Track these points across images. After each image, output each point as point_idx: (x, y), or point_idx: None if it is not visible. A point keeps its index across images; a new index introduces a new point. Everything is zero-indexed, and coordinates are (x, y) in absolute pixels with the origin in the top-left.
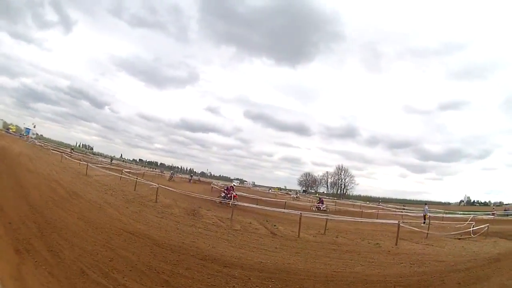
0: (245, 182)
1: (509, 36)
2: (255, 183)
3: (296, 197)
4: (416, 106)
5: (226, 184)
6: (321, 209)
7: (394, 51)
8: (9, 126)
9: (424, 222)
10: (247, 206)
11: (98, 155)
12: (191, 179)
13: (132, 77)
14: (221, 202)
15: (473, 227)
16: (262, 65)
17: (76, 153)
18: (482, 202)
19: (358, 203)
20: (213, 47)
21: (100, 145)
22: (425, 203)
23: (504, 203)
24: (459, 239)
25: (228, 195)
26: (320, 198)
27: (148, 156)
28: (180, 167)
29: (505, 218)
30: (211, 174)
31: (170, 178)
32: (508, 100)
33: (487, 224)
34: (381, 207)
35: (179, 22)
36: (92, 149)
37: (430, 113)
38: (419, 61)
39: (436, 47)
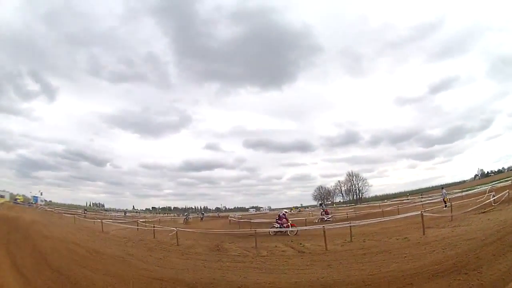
0: (261, 209)
1: (478, 3)
2: (271, 207)
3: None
4: (407, 95)
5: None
6: (325, 220)
7: (372, 50)
8: (16, 197)
9: (445, 206)
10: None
11: (110, 210)
12: (202, 217)
13: (125, 131)
14: (276, 233)
15: (493, 197)
16: (248, 93)
17: (90, 213)
18: (496, 171)
19: (377, 203)
20: (196, 86)
21: (110, 201)
22: (442, 187)
23: None
24: (483, 212)
25: (285, 225)
26: (324, 209)
27: (160, 203)
28: (194, 207)
29: None
30: (225, 208)
31: (185, 221)
32: (494, 66)
33: (507, 191)
34: (407, 201)
35: (157, 69)
36: (104, 206)
37: (422, 99)
38: (398, 52)
39: (410, 34)
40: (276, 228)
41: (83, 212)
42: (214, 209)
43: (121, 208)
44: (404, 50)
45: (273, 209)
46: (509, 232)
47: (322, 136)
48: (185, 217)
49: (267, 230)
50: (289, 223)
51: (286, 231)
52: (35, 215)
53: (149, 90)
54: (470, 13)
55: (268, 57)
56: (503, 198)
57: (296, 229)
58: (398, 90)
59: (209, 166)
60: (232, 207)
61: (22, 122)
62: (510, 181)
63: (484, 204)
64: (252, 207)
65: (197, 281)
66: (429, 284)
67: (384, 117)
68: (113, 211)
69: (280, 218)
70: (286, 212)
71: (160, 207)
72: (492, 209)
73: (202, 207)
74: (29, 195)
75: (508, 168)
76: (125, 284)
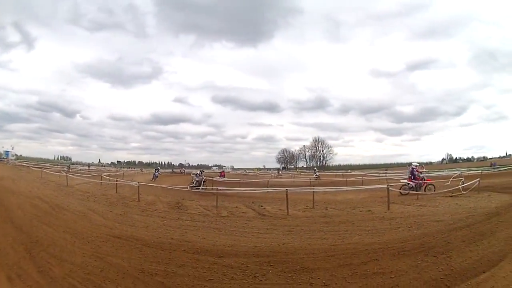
0: (223, 167)
1: None
2: (234, 167)
3: (279, 174)
4: (383, 69)
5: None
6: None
7: (354, 19)
8: None
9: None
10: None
11: (77, 164)
12: (154, 177)
13: (97, 81)
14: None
15: (462, 184)
16: (223, 49)
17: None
18: (465, 158)
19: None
20: (172, 38)
21: (77, 154)
22: (409, 164)
23: (488, 158)
24: (451, 196)
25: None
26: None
27: (126, 157)
28: (158, 161)
29: (492, 172)
30: (189, 165)
31: (154, 178)
32: (478, 56)
33: (478, 179)
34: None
35: (136, 19)
36: (71, 159)
37: (398, 74)
38: (381, 25)
39: (397, 9)
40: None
41: (67, 167)
42: (178, 164)
43: (88, 161)
44: (387, 23)
45: (235, 169)
46: (478, 221)
47: (291, 98)
48: (154, 173)
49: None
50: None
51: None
52: (4, 171)
53: (126, 40)
54: (463, 1)
55: (248, 13)
56: (473, 186)
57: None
58: (374, 62)
59: (175, 120)
60: (195, 164)
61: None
62: (480, 171)
63: (453, 188)
64: (215, 165)
65: (156, 240)
66: (395, 262)
67: (356, 87)
68: (79, 164)
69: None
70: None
71: (125, 161)
72: (460, 195)
73: (167, 163)
74: (1, 150)
75: (478, 158)
76: (85, 242)
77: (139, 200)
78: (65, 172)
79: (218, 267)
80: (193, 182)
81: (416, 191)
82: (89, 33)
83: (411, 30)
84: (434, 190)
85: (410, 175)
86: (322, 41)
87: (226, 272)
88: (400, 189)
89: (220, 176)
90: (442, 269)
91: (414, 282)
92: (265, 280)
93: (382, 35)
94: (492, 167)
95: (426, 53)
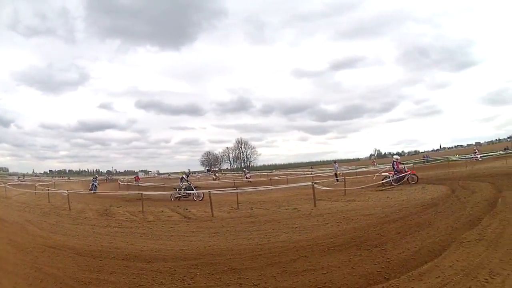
0: (149, 172)
1: None
2: (160, 172)
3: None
4: (307, 68)
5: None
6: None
7: (279, 20)
8: None
9: (337, 180)
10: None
11: (14, 175)
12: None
13: (29, 88)
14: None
15: (393, 177)
16: (147, 52)
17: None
18: (395, 153)
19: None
20: (99, 43)
21: (14, 165)
22: (334, 161)
23: (420, 152)
24: (381, 190)
25: None
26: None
27: (56, 166)
28: (87, 169)
29: (426, 165)
30: (116, 171)
31: (94, 189)
32: (407, 54)
33: (409, 172)
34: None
35: (67, 24)
36: (8, 170)
37: (322, 74)
38: (306, 25)
39: (323, 10)
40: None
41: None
42: (105, 172)
43: (23, 171)
44: (312, 24)
45: (161, 173)
46: (413, 213)
47: (214, 100)
48: (92, 182)
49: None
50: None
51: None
52: None
53: (56, 46)
54: (392, 0)
55: (173, 16)
56: (404, 179)
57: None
58: (298, 63)
59: (101, 126)
60: (122, 170)
61: None
62: (412, 164)
63: (382, 182)
64: (141, 171)
65: (87, 248)
66: (326, 258)
67: (279, 87)
68: (15, 175)
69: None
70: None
71: (57, 170)
72: (391, 188)
73: (95, 170)
74: None
75: (409, 152)
76: (25, 253)
77: (69, 209)
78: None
79: (147, 272)
80: (178, 189)
81: (397, 183)
82: (25, 38)
83: (337, 29)
84: (417, 181)
85: (392, 168)
86: (245, 43)
87: (155, 277)
88: (381, 181)
89: (135, 181)
90: (377, 262)
91: (349, 276)
92: (193, 283)
93: (306, 35)
94: (425, 159)
95: (352, 52)
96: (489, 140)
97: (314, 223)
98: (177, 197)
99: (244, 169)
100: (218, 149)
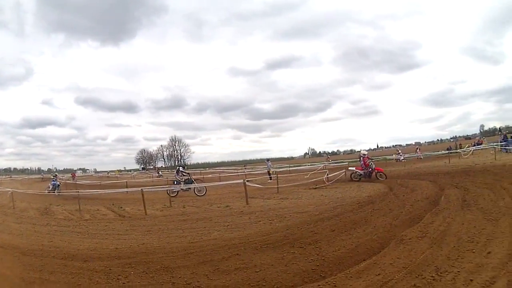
0: (87, 171)
1: None
2: (97, 170)
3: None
4: (242, 67)
5: None
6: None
7: (218, 18)
8: None
9: (270, 178)
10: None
11: None
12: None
13: None
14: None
15: (327, 175)
16: (88, 48)
17: None
18: (330, 152)
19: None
20: (44, 37)
21: None
22: (267, 159)
23: (356, 151)
24: (315, 188)
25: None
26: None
27: (3, 164)
28: (29, 168)
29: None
30: (56, 169)
31: (56, 188)
32: (346, 55)
33: (343, 171)
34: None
35: (18, 17)
36: None
37: (257, 73)
38: (245, 24)
39: (263, 9)
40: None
41: None
42: (46, 170)
43: None
44: (251, 23)
45: (98, 172)
46: (348, 210)
47: (149, 98)
48: (52, 181)
49: None
50: None
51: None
52: None
53: (7, 39)
54: (337, 1)
55: (115, 11)
56: (339, 177)
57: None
58: (234, 61)
59: (43, 123)
60: (62, 169)
61: None
62: (347, 163)
63: (316, 180)
64: (80, 169)
65: (29, 247)
66: (258, 256)
67: (214, 85)
68: None
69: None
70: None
71: (3, 168)
72: (325, 186)
73: (37, 168)
74: None
75: (345, 151)
76: None
77: (14, 208)
78: None
79: (84, 271)
80: (176, 182)
81: (365, 178)
82: None
83: (276, 29)
84: (386, 178)
85: (360, 164)
86: (183, 40)
87: (91, 276)
88: (350, 176)
89: (72, 178)
90: (312, 259)
91: (283, 274)
92: (128, 282)
93: (245, 34)
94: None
95: (289, 52)
96: (430, 140)
97: (246, 220)
98: (175, 192)
99: (179, 167)
100: (153, 147)
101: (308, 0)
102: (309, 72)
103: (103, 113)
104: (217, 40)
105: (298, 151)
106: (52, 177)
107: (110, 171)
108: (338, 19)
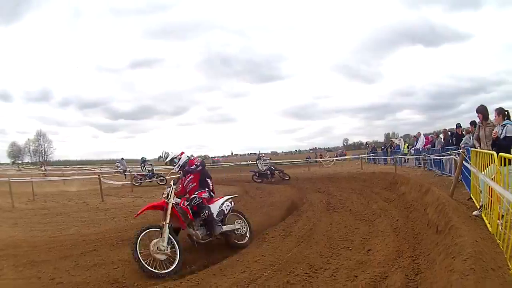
0: None
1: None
2: None
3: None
4: (107, 65)
5: None
6: None
7: (94, 11)
8: None
9: (126, 177)
10: None
11: None
12: None
13: None
14: None
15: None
16: None
17: None
18: None
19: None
20: None
21: None
22: (122, 158)
23: (210, 156)
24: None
25: None
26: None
27: None
28: None
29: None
30: None
31: None
32: (209, 61)
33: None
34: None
35: None
36: None
37: (120, 71)
38: (118, 20)
39: (140, 7)
40: None
41: None
42: None
43: None
44: (125, 19)
45: None
46: None
47: (20, 88)
48: None
49: None
50: None
51: None
52: None
53: None
54: (207, 8)
55: None
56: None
57: None
58: (101, 57)
59: None
60: None
61: None
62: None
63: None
64: None
65: None
66: (115, 252)
67: (79, 80)
68: None
69: None
70: None
71: None
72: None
73: None
74: None
75: (199, 156)
76: None
77: None
78: None
79: None
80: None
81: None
82: None
83: (145, 28)
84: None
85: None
86: (55, 30)
87: None
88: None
89: None
90: None
91: (142, 272)
92: (2, 275)
93: (116, 30)
94: (215, 164)
95: (153, 53)
96: (288, 150)
97: (102, 217)
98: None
99: (43, 163)
100: (22, 141)
101: (182, 2)
102: (169, 74)
103: None
104: (89, 32)
105: (152, 154)
106: None
107: None
108: (206, 25)
